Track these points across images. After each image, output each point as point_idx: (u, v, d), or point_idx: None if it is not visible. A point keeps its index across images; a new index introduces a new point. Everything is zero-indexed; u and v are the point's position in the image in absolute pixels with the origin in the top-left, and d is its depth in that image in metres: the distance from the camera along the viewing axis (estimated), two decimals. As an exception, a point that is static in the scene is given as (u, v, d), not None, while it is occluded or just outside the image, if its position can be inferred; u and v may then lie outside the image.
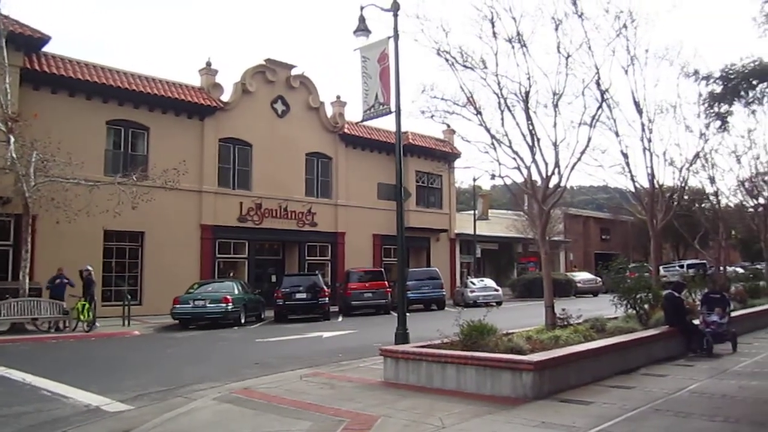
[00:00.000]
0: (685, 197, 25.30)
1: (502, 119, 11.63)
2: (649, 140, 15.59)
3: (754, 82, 9.75)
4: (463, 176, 56.90)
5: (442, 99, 12.15)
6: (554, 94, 11.55)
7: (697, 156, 18.05)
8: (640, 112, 15.25)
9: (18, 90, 21.25)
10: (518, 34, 11.36)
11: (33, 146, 18.69)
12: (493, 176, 12.78)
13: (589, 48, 12.26)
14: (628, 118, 15.43)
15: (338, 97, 33.49)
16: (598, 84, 12.40)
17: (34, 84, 22.85)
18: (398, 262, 13.79)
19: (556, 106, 11.54)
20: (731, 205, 26.61)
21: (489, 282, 32.41)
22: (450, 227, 38.57)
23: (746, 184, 23.81)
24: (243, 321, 21.15)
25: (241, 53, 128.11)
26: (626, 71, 14.75)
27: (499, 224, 41.86)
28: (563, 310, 11.52)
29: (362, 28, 13.17)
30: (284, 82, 30.80)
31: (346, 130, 32.92)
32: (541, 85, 11.76)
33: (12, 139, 18.36)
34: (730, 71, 9.90)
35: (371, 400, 7.75)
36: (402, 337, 11.80)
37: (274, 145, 29.69)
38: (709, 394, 7.62)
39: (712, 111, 12.52)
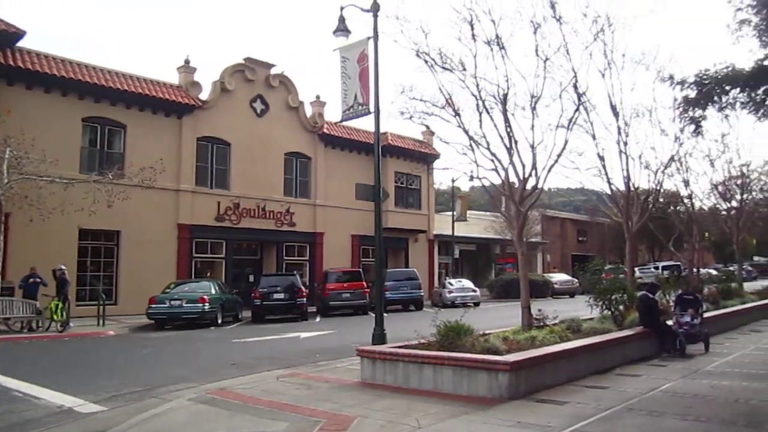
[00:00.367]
0: (660, 200, 25.66)
1: (481, 121, 11.73)
2: (625, 143, 15.75)
3: (727, 88, 9.89)
4: (441, 177, 57.03)
5: (421, 100, 12.23)
6: (532, 96, 11.66)
7: (671, 159, 18.28)
8: (616, 115, 15.40)
9: (-9, 86, 20.93)
10: (497, 36, 11.45)
11: (6, 143, 18.37)
12: (471, 177, 12.94)
13: (567, 51, 12.41)
14: (605, 121, 15.63)
15: (318, 97, 33.40)
16: (575, 87, 12.56)
17: (8, 80, 22.48)
18: (376, 263, 13.80)
19: (533, 108, 11.66)
20: (705, 208, 27.02)
21: (467, 283, 32.56)
22: (428, 228, 38.67)
23: (719, 188, 24.22)
24: (220, 321, 21.00)
25: (220, 52, 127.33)
26: (603, 75, 14.90)
27: (478, 225, 42.06)
28: (540, 310, 11.63)
29: (342, 29, 13.16)
30: (263, 81, 30.65)
31: (325, 130, 32.84)
32: (519, 88, 11.89)
33: (-15, 136, 18.06)
34: (704, 77, 10.03)
35: (348, 401, 7.75)
36: (379, 337, 11.80)
37: (252, 145, 29.53)
38: (681, 394, 7.72)
39: (686, 115, 12.66)
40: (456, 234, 37.72)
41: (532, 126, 11.64)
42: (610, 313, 12.06)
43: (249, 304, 23.64)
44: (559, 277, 39.92)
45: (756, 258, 64.86)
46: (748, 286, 26.21)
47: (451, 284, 31.85)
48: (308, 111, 32.82)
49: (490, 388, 7.58)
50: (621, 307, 12.09)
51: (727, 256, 55.79)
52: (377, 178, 13.14)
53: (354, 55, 13.08)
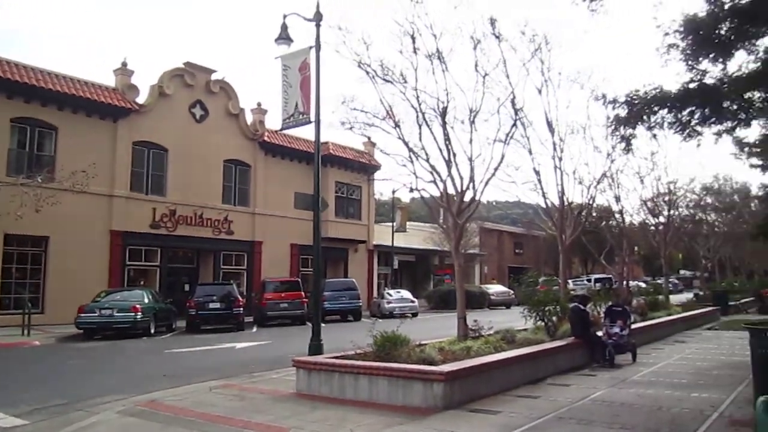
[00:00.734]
0: (593, 214, 26.53)
1: (420, 133, 11.90)
2: (560, 159, 16.16)
3: (656, 108, 10.30)
4: (382, 188, 57.52)
5: (362, 111, 12.32)
6: (471, 111, 11.90)
7: (604, 175, 18.89)
8: (552, 131, 15.81)
9: None
10: (438, 51, 11.66)
11: (-74, 143, 17.50)
12: (411, 189, 13.02)
13: (506, 68, 12.72)
14: (541, 137, 16.02)
15: (259, 104, 33.11)
16: (513, 103, 12.88)
17: (-70, 77, 21.44)
18: (314, 273, 13.72)
19: (472, 122, 11.89)
20: (635, 222, 28.08)
21: (405, 293, 32.74)
22: (368, 238, 38.75)
23: (648, 204, 25.24)
24: (153, 331, 20.43)
25: (161, 56, 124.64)
26: (540, 92, 15.27)
27: (417, 236, 42.41)
28: (475, 321, 11.81)
29: (284, 37, 13.10)
30: (203, 86, 30.15)
31: (266, 138, 32.53)
32: (458, 102, 12.13)
33: None
34: (635, 97, 10.44)
35: (283, 412, 7.66)
36: (316, 348, 11.71)
37: (190, 151, 28.93)
38: (609, 402, 7.97)
39: (617, 133, 13.10)
40: (395, 245, 37.93)
41: (471, 139, 11.88)
42: (543, 324, 12.34)
43: (184, 314, 23.11)
44: (495, 289, 40.63)
45: (682, 271, 67.72)
46: (674, 298, 27.33)
47: (390, 295, 32.01)
48: (249, 118, 32.47)
49: (425, 398, 7.63)
50: (554, 318, 12.40)
51: (655, 269, 58.04)
52: (317, 187, 13.09)
53: (296, 64, 13.03)
